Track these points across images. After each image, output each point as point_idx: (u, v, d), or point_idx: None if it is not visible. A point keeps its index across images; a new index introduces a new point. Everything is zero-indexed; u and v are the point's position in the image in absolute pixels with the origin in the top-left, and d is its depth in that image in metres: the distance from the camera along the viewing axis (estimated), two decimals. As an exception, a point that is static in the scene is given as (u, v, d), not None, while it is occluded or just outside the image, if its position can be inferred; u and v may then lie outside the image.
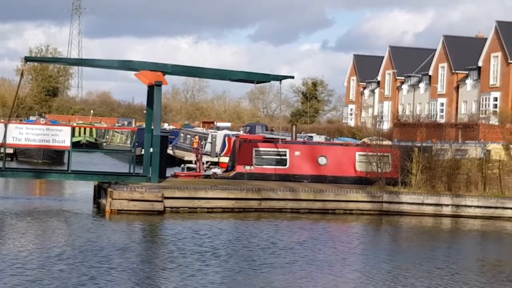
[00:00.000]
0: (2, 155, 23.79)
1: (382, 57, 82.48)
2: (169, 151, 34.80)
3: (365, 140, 34.35)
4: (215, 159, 34.27)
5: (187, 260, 13.89)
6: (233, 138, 32.97)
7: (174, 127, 60.50)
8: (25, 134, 21.64)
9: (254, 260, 14.33)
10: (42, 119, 61.36)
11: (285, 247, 16.03)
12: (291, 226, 19.87)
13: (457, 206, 22.83)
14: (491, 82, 60.21)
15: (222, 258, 14.42)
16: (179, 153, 39.41)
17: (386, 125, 68.37)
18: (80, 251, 14.20)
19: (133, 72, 23.22)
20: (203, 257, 14.36)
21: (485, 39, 62.87)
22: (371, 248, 17.46)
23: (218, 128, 48.03)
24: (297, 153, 25.69)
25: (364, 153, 25.72)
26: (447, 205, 22.94)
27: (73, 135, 24.12)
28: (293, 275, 13.03)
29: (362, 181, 24.46)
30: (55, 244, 15.05)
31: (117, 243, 15.37)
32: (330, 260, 14.81)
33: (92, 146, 50.76)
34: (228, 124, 60.92)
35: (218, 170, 28.65)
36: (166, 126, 57.03)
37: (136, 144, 27.13)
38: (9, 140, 21.22)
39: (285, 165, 25.24)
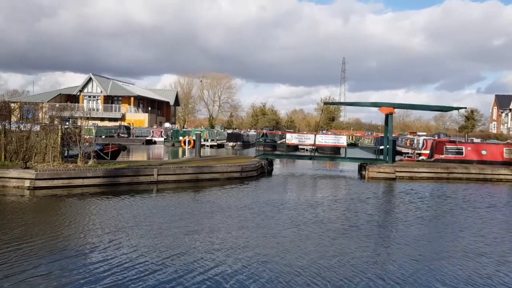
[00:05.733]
0: (312, 149, 25.57)
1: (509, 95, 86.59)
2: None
3: (509, 141, 33.51)
4: (419, 152, 32.36)
5: (408, 205, 13.60)
6: (429, 140, 32.72)
7: (394, 134, 60.95)
8: (324, 139, 24.29)
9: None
10: (329, 132, 70.68)
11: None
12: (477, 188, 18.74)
13: None
14: None
15: (433, 200, 14.38)
16: (399, 148, 38.04)
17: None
18: (352, 197, 14.76)
19: (377, 108, 24.15)
20: (420, 200, 14.27)
21: None
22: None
23: (419, 136, 46.07)
24: (469, 148, 25.40)
25: (509, 148, 25.23)
26: None
27: (347, 139, 25.46)
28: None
29: (508, 164, 24.11)
30: (330, 194, 15.43)
31: (373, 192, 16.18)
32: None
33: (352, 145, 47.57)
34: (424, 133, 59.61)
35: (423, 157, 28.51)
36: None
37: (378, 144, 27.23)
38: (317, 142, 23.70)
39: (462, 154, 25.09)
